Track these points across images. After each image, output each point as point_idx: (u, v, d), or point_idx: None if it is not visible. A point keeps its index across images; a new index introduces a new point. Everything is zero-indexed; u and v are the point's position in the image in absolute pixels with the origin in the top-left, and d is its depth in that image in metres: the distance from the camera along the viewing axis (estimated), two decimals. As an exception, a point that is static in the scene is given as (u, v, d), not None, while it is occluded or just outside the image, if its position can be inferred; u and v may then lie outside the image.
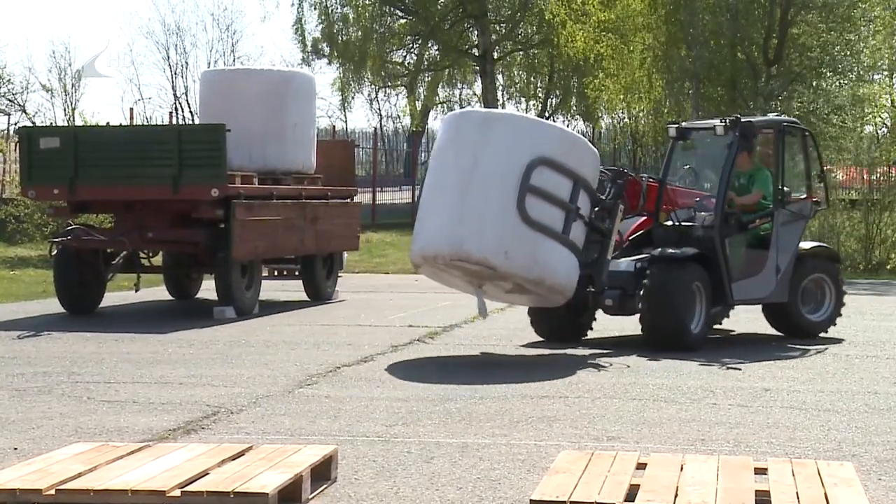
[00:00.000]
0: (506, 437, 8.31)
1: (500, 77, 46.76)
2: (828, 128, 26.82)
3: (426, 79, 47.17)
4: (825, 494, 5.95)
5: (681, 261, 12.86)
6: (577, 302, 12.82)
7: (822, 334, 14.05)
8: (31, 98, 48.39)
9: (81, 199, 16.56)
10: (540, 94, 48.18)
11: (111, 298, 17.42)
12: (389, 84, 49.14)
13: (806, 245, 14.32)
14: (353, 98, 49.49)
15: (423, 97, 48.14)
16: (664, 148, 36.64)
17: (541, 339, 13.62)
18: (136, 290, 17.04)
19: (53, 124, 32.06)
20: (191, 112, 41.05)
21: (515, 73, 48.35)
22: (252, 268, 16.67)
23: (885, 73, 33.42)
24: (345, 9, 42.85)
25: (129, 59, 77.25)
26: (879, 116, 31.67)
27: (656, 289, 12.63)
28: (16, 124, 33.23)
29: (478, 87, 46.83)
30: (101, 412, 9.16)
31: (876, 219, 26.07)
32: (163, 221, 16.32)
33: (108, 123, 26.48)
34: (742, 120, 13.56)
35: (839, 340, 13.83)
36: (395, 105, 56.10)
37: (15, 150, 26.18)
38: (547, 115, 45.86)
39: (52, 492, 5.88)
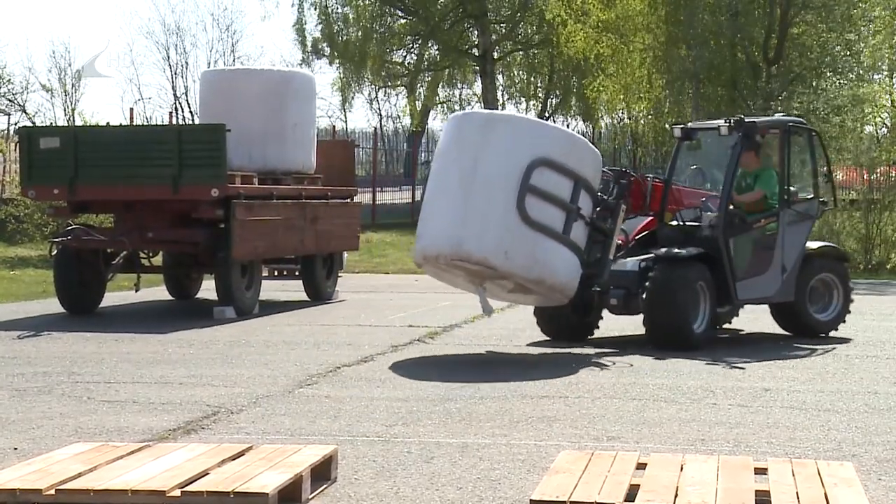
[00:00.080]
0: (506, 437, 8.31)
1: (500, 77, 46.78)
2: (828, 128, 26.78)
3: (426, 79, 47.19)
4: (825, 494, 5.95)
5: (683, 260, 12.90)
6: (582, 301, 12.90)
7: (831, 333, 14.08)
8: (31, 98, 48.46)
9: (81, 199, 16.55)
10: (540, 94, 48.20)
11: (111, 298, 17.42)
12: (389, 84, 49.16)
13: (814, 245, 14.35)
14: (353, 98, 49.50)
15: (423, 97, 48.15)
16: (664, 148, 36.83)
17: (544, 338, 13.67)
18: (136, 290, 17.04)
19: (53, 124, 32.07)
20: (191, 112, 41.07)
21: (515, 73, 48.37)
22: (252, 268, 16.67)
23: (885, 73, 33.40)
24: (345, 9, 42.88)
25: (129, 59, 77.32)
26: (879, 116, 31.67)
27: (658, 288, 12.67)
28: (16, 124, 33.23)
29: (478, 87, 46.85)
30: (101, 412, 9.16)
31: (876, 219, 26.08)
32: (163, 221, 16.32)
33: (108, 123, 26.49)
34: (745, 120, 13.60)
35: (847, 340, 13.85)
36: (395, 105, 56.16)
37: (15, 150, 26.17)
38: (547, 115, 45.88)
39: (52, 492, 5.88)
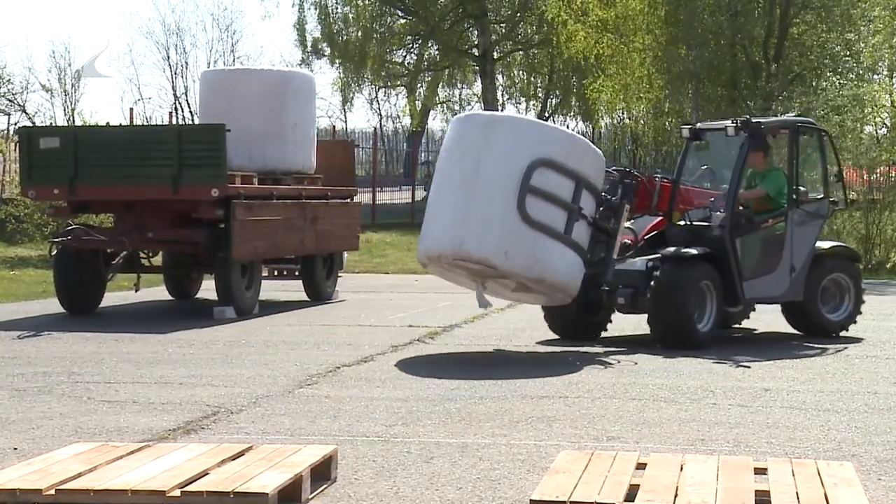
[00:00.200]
0: (506, 437, 8.31)
1: (500, 77, 46.79)
2: (828, 128, 26.74)
3: (426, 79, 47.19)
4: (825, 494, 5.95)
5: (688, 260, 12.97)
6: (591, 301, 13.03)
7: (842, 333, 14.12)
8: (31, 98, 48.52)
9: (81, 199, 16.55)
10: (540, 95, 48.19)
11: (111, 298, 17.42)
12: (389, 84, 49.15)
13: (825, 245, 14.41)
14: (353, 98, 49.50)
15: (423, 97, 48.15)
16: (664, 148, 36.82)
17: (545, 337, 13.72)
18: (136, 290, 17.04)
19: (53, 124, 32.07)
20: (191, 112, 41.07)
21: (515, 73, 48.38)
22: (252, 268, 16.67)
23: (885, 73, 33.39)
24: (345, 9, 42.86)
25: (129, 59, 77.41)
26: (879, 116, 31.65)
27: (663, 287, 12.76)
28: (16, 124, 33.22)
29: (478, 87, 46.85)
30: (101, 412, 9.16)
31: (876, 219, 26.07)
32: (163, 221, 16.32)
33: (107, 123, 26.49)
34: (752, 120, 13.67)
35: (858, 340, 13.87)
36: (395, 105, 56.17)
37: (15, 150, 26.16)
38: (547, 115, 45.89)
39: (52, 492, 5.88)
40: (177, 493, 5.86)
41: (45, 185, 16.35)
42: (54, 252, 16.42)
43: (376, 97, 53.46)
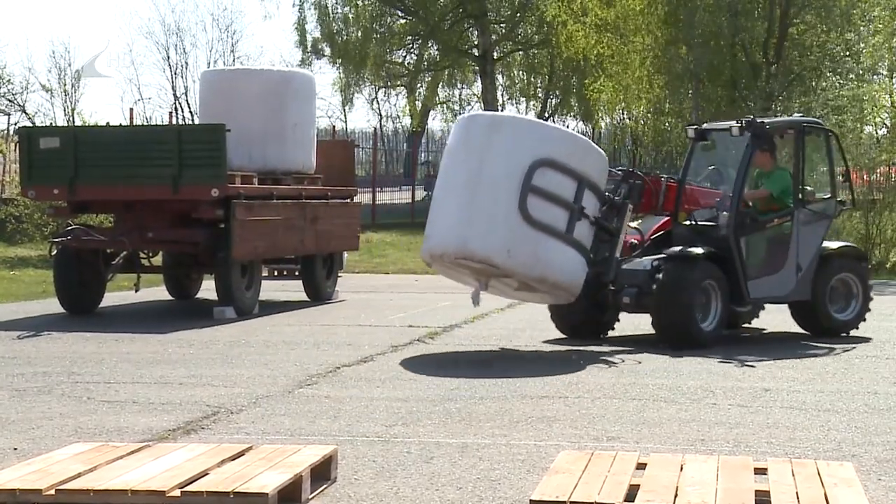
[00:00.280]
0: (506, 437, 8.31)
1: (500, 77, 46.79)
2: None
3: (426, 79, 47.20)
4: (825, 494, 5.95)
5: (691, 259, 13.02)
6: (597, 300, 13.17)
7: (851, 333, 14.16)
8: (31, 98, 48.49)
9: (81, 199, 16.55)
10: (540, 95, 48.21)
11: (111, 298, 17.42)
12: (389, 84, 49.16)
13: (833, 245, 14.45)
14: (353, 98, 49.51)
15: (423, 97, 48.16)
16: (664, 148, 36.80)
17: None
18: (136, 290, 17.03)
19: (53, 124, 32.06)
20: (191, 112, 41.09)
21: (515, 73, 48.39)
22: (252, 268, 16.67)
23: (885, 73, 33.39)
24: (345, 9, 42.87)
25: (129, 59, 77.46)
26: (879, 117, 31.65)
27: (666, 286, 12.84)
28: (16, 124, 33.23)
29: (478, 87, 46.87)
30: (101, 412, 9.16)
31: (876, 219, 26.07)
32: (163, 221, 16.32)
33: (107, 123, 26.49)
34: (756, 121, 13.72)
35: (867, 339, 13.89)
36: (395, 105, 56.17)
37: (15, 150, 26.16)
38: (547, 115, 45.91)
39: (52, 492, 5.88)
40: (177, 493, 5.86)
41: (45, 185, 16.35)
42: (54, 252, 16.42)
43: (376, 97, 53.49)
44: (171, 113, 40.86)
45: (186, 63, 44.00)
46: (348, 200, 19.77)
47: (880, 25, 29.32)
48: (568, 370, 11.45)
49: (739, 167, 13.52)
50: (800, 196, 13.71)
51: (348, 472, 7.20)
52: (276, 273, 21.08)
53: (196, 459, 6.49)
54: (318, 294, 18.68)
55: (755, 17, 29.07)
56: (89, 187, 16.19)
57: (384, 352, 12.62)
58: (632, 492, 6.00)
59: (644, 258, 13.40)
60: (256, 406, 9.45)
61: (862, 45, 29.21)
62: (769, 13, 28.86)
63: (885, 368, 11.79)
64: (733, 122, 13.89)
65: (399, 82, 48.32)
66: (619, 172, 13.55)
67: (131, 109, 37.04)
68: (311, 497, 6.55)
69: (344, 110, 53.81)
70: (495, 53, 44.05)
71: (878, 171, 28.78)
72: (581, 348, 13.00)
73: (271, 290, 18.93)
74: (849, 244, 15.64)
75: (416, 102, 48.31)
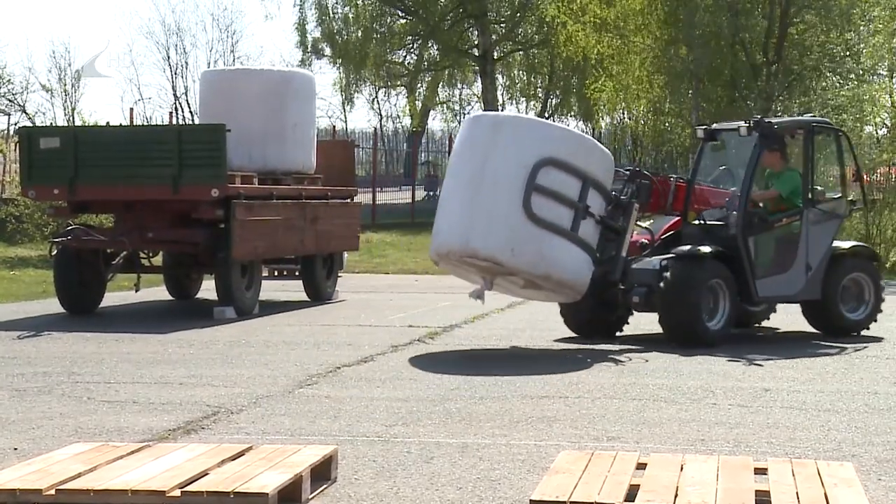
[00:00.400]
0: (506, 437, 8.31)
1: (500, 77, 46.80)
2: (827, 128, 26.73)
3: (426, 79, 47.22)
4: (825, 494, 5.95)
5: (698, 258, 13.07)
6: (605, 299, 13.30)
7: (864, 332, 14.18)
8: (31, 98, 48.47)
9: (81, 199, 16.55)
10: (540, 95, 48.21)
11: (111, 298, 17.42)
12: (389, 84, 49.17)
13: (844, 244, 14.48)
14: (353, 98, 49.54)
15: (423, 97, 48.17)
16: (664, 148, 36.78)
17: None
18: (136, 290, 17.03)
19: (53, 124, 32.06)
20: (191, 112, 41.09)
21: (515, 73, 48.40)
22: (252, 268, 16.67)
23: (886, 73, 33.40)
24: (345, 9, 42.88)
25: (129, 59, 77.54)
26: (879, 117, 31.65)
27: (673, 285, 12.91)
28: (16, 124, 33.22)
29: (478, 87, 46.89)
30: (101, 412, 9.16)
31: (876, 219, 26.07)
32: (163, 221, 16.31)
33: (108, 123, 26.49)
34: (764, 121, 13.78)
35: (878, 339, 13.90)
36: (395, 105, 56.20)
37: (15, 150, 26.16)
38: (547, 115, 45.91)
39: (52, 492, 5.88)
40: (177, 493, 5.86)
41: (45, 185, 16.35)
42: (54, 252, 16.42)
43: (376, 97, 53.53)
44: (171, 113, 40.88)
45: (186, 63, 44.05)
46: (348, 200, 19.77)
47: (880, 25, 29.32)
48: (568, 370, 11.45)
49: (747, 167, 13.57)
50: (809, 196, 13.75)
51: (348, 472, 7.20)
52: (276, 273, 21.08)
53: (196, 459, 6.49)
54: (318, 294, 18.68)
55: (755, 17, 29.08)
56: (89, 187, 16.19)
57: (384, 352, 12.63)
58: (632, 492, 6.00)
59: (654, 257, 13.46)
60: (256, 406, 9.45)
61: (862, 45, 29.22)
62: (769, 13, 28.86)
63: (885, 368, 11.79)
64: (742, 123, 13.96)
65: (399, 82, 48.34)
66: (627, 172, 13.61)
67: (131, 109, 37.10)
68: (311, 497, 6.55)
69: (344, 110, 53.87)
70: (495, 53, 44.06)
71: (878, 171, 28.79)
72: (589, 347, 13.03)
73: (271, 290, 18.93)
74: (861, 244, 15.67)
75: (416, 102, 48.31)
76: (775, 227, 13.72)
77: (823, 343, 13.55)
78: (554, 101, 47.78)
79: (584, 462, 6.49)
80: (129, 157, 16.05)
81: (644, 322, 14.29)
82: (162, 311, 17.27)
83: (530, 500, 5.81)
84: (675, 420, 8.97)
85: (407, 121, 54.05)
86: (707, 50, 28.86)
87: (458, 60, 44.62)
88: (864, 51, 29.21)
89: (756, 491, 6.03)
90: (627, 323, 14.03)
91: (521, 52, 45.94)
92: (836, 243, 14.16)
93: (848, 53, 29.23)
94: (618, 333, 13.92)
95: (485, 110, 39.94)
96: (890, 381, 10.96)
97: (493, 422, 8.84)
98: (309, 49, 44.29)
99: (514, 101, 49.42)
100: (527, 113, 47.36)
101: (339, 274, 19.70)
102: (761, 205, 13.69)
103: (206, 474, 6.22)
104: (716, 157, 14.60)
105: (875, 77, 31.19)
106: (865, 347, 13.33)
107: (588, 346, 13.15)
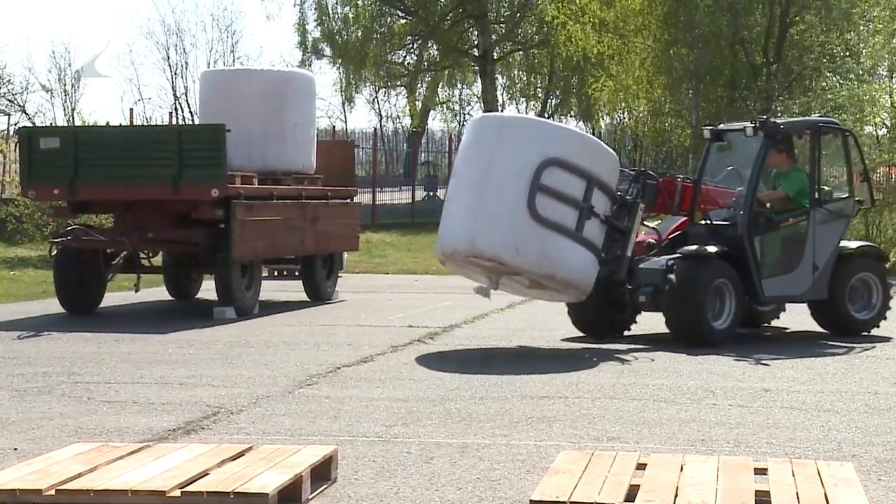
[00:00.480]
0: (506, 437, 8.31)
1: (500, 77, 46.81)
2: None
3: (426, 79, 47.23)
4: (825, 495, 5.95)
5: (703, 258, 13.09)
6: (610, 298, 13.35)
7: (872, 332, 14.20)
8: (31, 98, 48.51)
9: (81, 199, 16.54)
10: (540, 95, 48.22)
11: (111, 298, 17.41)
12: (389, 84, 49.18)
13: (852, 244, 14.51)
14: (353, 98, 49.56)
15: (423, 97, 48.18)
16: (664, 148, 36.78)
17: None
18: (136, 290, 17.03)
19: (53, 124, 32.06)
20: (191, 112, 41.09)
21: (515, 73, 48.41)
22: (252, 268, 16.67)
23: (885, 73, 33.41)
24: (345, 9, 42.88)
25: (129, 59, 77.56)
26: (879, 117, 31.67)
27: (678, 285, 12.94)
28: (16, 124, 33.22)
29: (478, 87, 46.90)
30: (101, 412, 9.16)
31: (876, 219, 26.08)
32: (163, 221, 16.31)
33: (107, 123, 26.49)
34: (770, 121, 13.82)
35: (887, 339, 13.90)
36: (395, 105, 56.21)
37: (15, 150, 26.16)
38: (547, 115, 45.92)
39: (52, 492, 5.88)
40: (177, 493, 5.86)
41: (45, 185, 16.35)
42: (54, 252, 16.41)
43: (376, 97, 53.56)
44: (171, 113, 40.88)
45: (186, 63, 44.06)
46: (348, 200, 19.77)
47: (880, 25, 29.35)
48: (568, 370, 11.45)
49: (753, 167, 13.59)
50: (816, 196, 13.76)
51: (348, 472, 7.20)
52: (276, 273, 21.08)
53: (196, 459, 6.49)
54: (318, 294, 18.68)
55: (755, 17, 29.09)
56: (89, 187, 16.18)
57: (384, 352, 12.63)
58: (632, 492, 6.00)
59: (660, 257, 13.49)
60: (256, 406, 9.45)
61: (862, 46, 29.23)
62: (769, 13, 28.87)
63: (885, 368, 11.79)
64: (748, 123, 13.99)
65: (399, 82, 48.34)
66: (632, 172, 13.64)
67: (131, 109, 37.11)
68: (311, 497, 6.55)
69: (344, 110, 53.89)
70: (495, 53, 44.07)
71: (878, 171, 28.78)
72: (594, 346, 13.05)
73: (271, 290, 18.93)
74: (869, 244, 15.68)
75: (416, 102, 48.33)
76: (782, 227, 13.75)
77: (830, 343, 13.56)
78: (554, 101, 47.79)
79: (584, 462, 6.49)
80: (128, 157, 16.04)
81: (655, 321, 14.29)
82: (162, 311, 17.26)
83: (530, 501, 5.81)
84: (675, 420, 8.97)
85: (407, 121, 54.10)
86: (707, 50, 28.88)
87: (458, 60, 44.62)
88: (864, 51, 29.23)
89: (756, 491, 6.03)
90: (636, 322, 14.04)
91: (521, 52, 45.96)
92: (844, 243, 14.19)
93: (848, 53, 29.25)
94: (626, 333, 13.95)
95: (485, 110, 39.97)
96: (890, 382, 10.96)
97: (493, 422, 8.84)
98: (309, 49, 44.31)
99: (514, 102, 49.47)
100: (527, 113, 47.37)
101: (339, 274, 19.70)
102: (768, 205, 13.71)
103: (206, 474, 6.22)
104: (722, 157, 14.63)
105: (875, 77, 31.21)
106: (872, 347, 13.33)
107: (593, 346, 13.17)
